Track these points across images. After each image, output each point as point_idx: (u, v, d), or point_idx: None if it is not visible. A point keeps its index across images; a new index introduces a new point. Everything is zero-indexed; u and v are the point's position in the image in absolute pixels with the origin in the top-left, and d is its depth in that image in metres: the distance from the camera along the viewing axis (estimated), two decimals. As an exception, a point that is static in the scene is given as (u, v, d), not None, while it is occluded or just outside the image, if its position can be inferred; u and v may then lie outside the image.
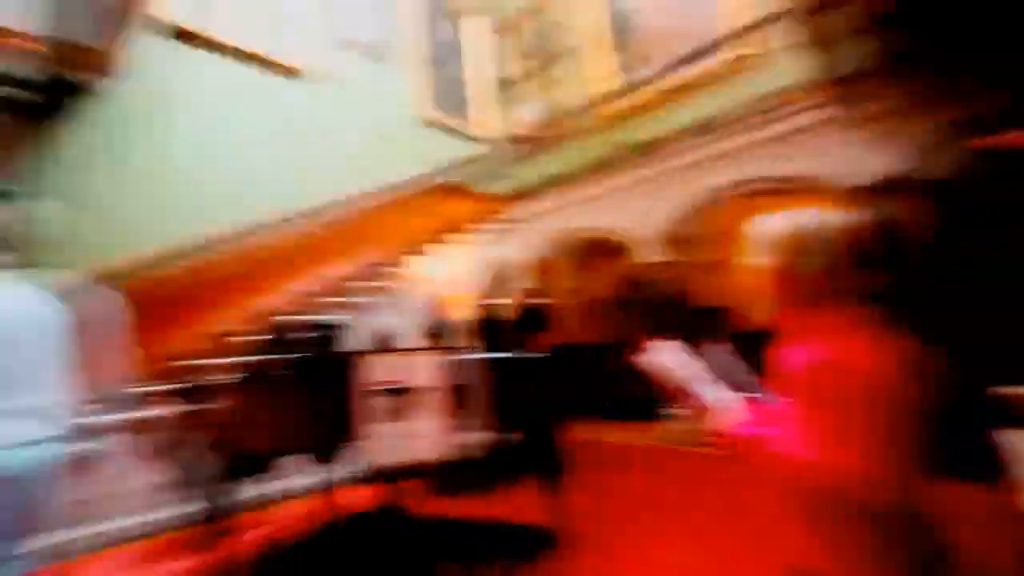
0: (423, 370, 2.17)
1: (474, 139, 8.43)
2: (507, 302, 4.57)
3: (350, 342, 4.17)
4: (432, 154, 6.97)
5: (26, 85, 3.35)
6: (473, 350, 4.39)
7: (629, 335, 5.31)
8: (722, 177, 5.09)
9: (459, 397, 2.15)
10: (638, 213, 5.66)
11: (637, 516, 3.06)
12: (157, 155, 5.24)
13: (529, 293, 4.99)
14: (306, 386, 2.20)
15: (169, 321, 4.29)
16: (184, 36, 5.57)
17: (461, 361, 2.36)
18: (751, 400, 1.11)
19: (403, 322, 5.08)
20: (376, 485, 2.75)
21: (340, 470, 3.14)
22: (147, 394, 3.69)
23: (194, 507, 2.90)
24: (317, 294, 4.98)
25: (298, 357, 2.59)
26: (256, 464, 2.26)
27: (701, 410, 1.09)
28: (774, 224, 1.06)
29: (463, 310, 5.22)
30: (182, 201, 5.24)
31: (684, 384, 1.10)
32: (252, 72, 6.08)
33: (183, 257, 4.44)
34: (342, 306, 4.84)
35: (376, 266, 5.47)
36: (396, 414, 2.06)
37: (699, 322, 5.15)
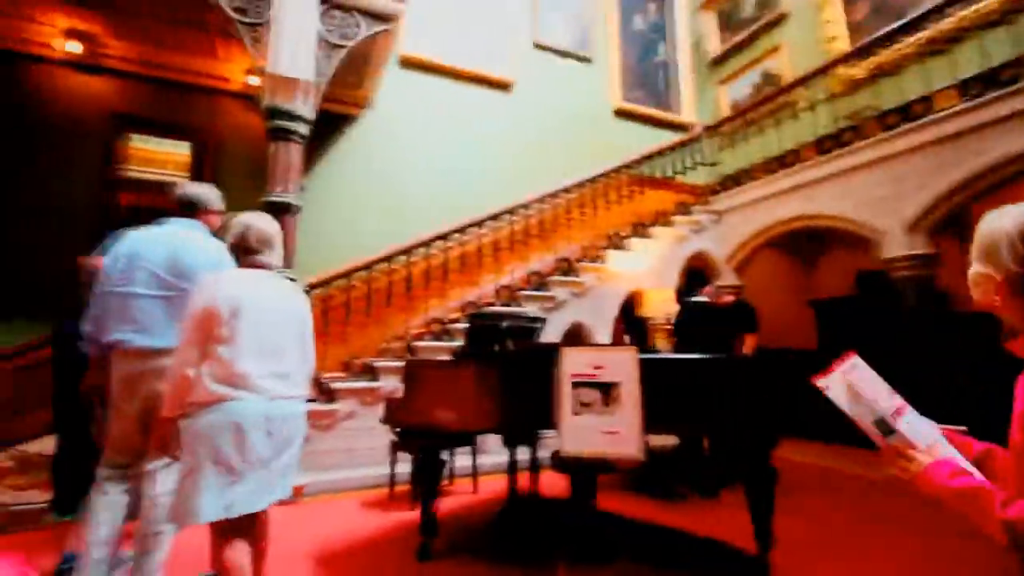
0: (619, 366, 2.15)
1: (675, 126, 8.04)
2: (709, 299, 4.24)
3: (548, 334, 4.37)
4: (631, 144, 6.84)
5: (306, 121, 4.25)
6: (671, 348, 4.21)
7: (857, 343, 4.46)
8: (1012, 146, 3.89)
9: (654, 397, 2.07)
10: (875, 197, 4.70)
11: (854, 558, 2.58)
12: (390, 169, 6.23)
13: (735, 290, 4.55)
14: (507, 372, 2.36)
15: (395, 309, 5.08)
16: (412, 64, 6.47)
17: (658, 359, 2.27)
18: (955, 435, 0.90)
19: (599, 316, 5.12)
20: (565, 474, 2.84)
21: (534, 454, 3.35)
22: (375, 367, 4.44)
23: (409, 468, 3.38)
24: (519, 287, 5.33)
25: (500, 345, 2.81)
26: (459, 439, 2.53)
27: (900, 447, 0.88)
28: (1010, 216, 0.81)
29: (661, 306, 5.04)
30: (410, 204, 6.15)
31: (875, 414, 0.90)
32: (465, 87, 6.80)
33: (408, 254, 5.17)
34: (541, 299, 5.10)
35: (574, 260, 5.62)
36: (591, 408, 2.08)
37: (964, 332, 4.07)
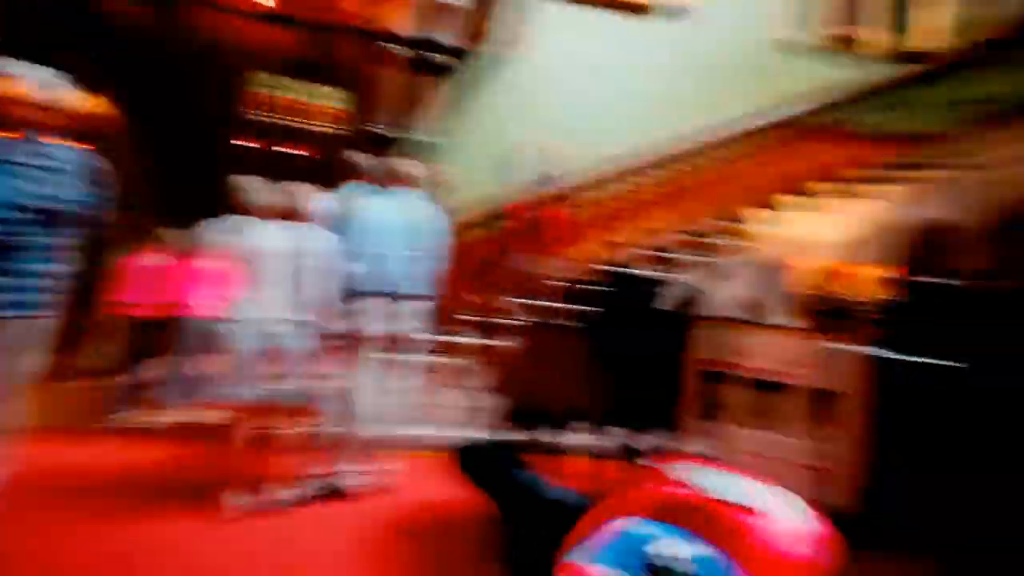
0: (830, 365, 1.43)
1: (858, 60, 6.18)
2: (951, 282, 2.98)
3: (684, 308, 3.55)
4: (799, 84, 5.33)
5: (444, 50, 3.87)
6: (878, 343, 3.05)
7: None
8: None
9: (855, 412, 1.31)
10: None
11: None
12: (525, 105, 5.68)
13: (990, 275, 3.17)
14: (622, 347, 1.75)
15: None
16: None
17: (858, 357, 1.47)
18: None
19: (769, 293, 4.08)
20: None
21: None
22: (478, 324, 4.00)
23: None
24: (664, 249, 4.46)
25: (634, 315, 2.15)
26: (544, 417, 1.96)
27: None
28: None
29: (866, 286, 3.79)
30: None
31: None
32: (604, 16, 5.92)
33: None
34: (692, 265, 4.22)
35: (738, 220, 4.55)
36: (772, 420, 1.39)
37: None
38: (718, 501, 0.52)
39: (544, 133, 5.43)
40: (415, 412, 3.27)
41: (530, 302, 4.24)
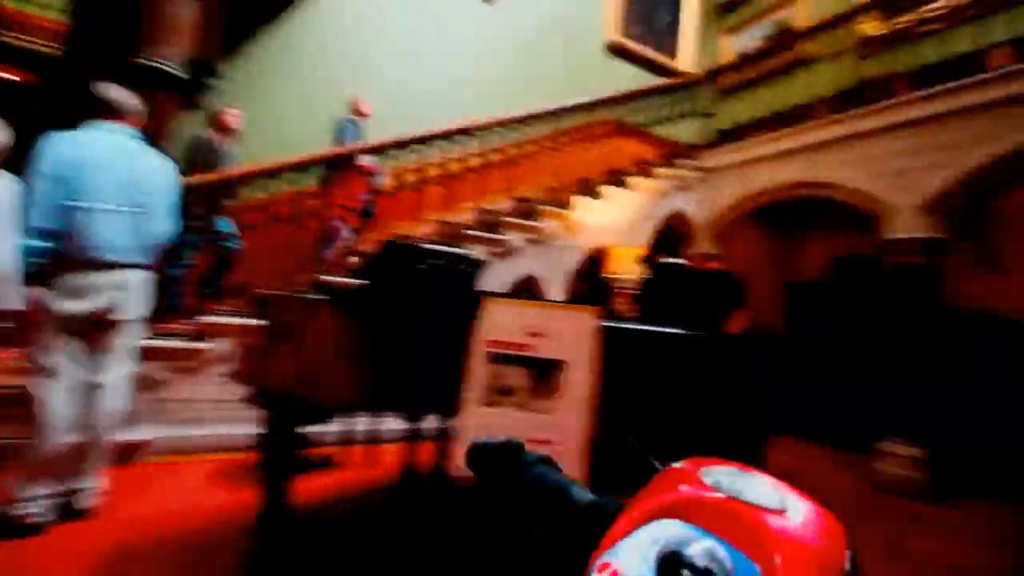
0: (569, 335, 1.41)
1: (669, 71, 7.12)
2: (685, 263, 3.51)
3: (492, 286, 3.58)
4: (616, 86, 5.86)
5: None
6: (640, 318, 3.44)
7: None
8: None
9: (612, 381, 1.36)
10: (892, 168, 4.01)
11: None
12: (335, 64, 5.15)
13: (713, 259, 3.84)
14: (399, 324, 1.58)
15: (308, 233, 4.12)
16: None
17: (622, 330, 1.55)
18: None
19: (556, 270, 4.33)
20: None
21: (445, 423, 2.59)
22: (237, 301, 3.52)
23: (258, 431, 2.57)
24: (465, 225, 4.42)
25: (413, 290, 1.99)
26: (319, 411, 1.74)
27: None
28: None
29: (629, 266, 4.27)
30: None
31: None
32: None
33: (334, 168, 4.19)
34: (491, 243, 4.26)
35: (536, 202, 4.73)
36: (513, 397, 1.34)
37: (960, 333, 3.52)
38: (746, 502, 0.45)
39: (356, 87, 4.98)
40: (141, 410, 2.70)
41: (309, 276, 3.83)
